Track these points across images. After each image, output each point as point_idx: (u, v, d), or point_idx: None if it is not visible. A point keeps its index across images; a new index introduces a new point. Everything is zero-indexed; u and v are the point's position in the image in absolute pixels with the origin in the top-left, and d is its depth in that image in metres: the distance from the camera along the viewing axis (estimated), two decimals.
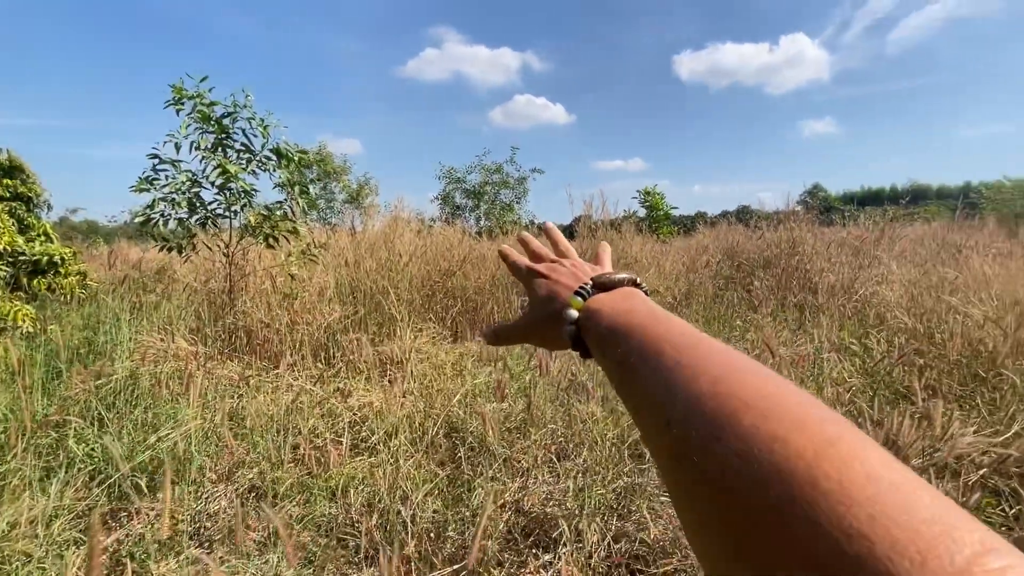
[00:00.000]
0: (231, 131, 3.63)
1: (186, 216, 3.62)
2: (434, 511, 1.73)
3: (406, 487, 1.78)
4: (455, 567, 1.47)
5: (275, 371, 2.84)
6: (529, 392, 2.39)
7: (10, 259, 4.18)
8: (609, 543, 1.59)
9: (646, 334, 0.31)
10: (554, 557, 1.55)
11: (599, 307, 0.37)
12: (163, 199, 3.48)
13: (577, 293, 0.39)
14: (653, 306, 0.36)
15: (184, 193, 3.54)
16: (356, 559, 1.58)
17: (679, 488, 0.23)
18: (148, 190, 3.46)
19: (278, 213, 3.76)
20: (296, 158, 3.78)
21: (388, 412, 2.38)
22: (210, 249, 3.81)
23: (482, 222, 13.75)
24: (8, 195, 5.08)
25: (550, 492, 1.84)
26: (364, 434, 2.29)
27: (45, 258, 4.34)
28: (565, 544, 1.55)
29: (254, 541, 1.63)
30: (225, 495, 1.85)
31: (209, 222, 3.73)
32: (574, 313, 0.39)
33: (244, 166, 3.66)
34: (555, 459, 2.00)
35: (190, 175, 3.55)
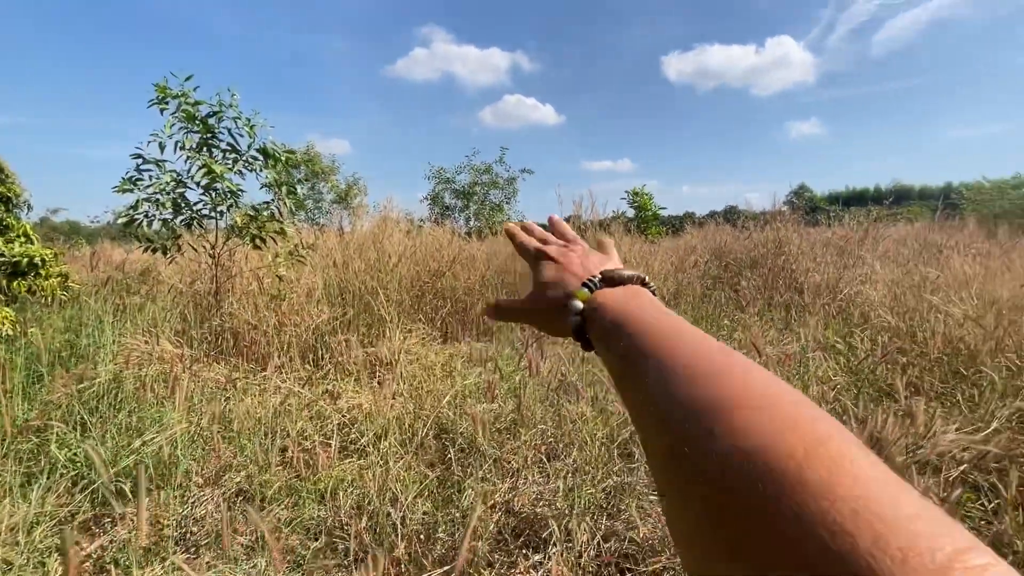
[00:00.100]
0: (217, 131, 3.58)
1: (171, 217, 3.57)
2: (424, 513, 1.73)
3: (396, 489, 1.77)
4: (445, 568, 1.47)
5: (263, 373, 2.81)
6: (519, 393, 2.39)
7: None
8: (599, 542, 1.59)
9: (650, 332, 0.31)
10: (544, 557, 1.55)
11: (604, 301, 0.37)
12: (147, 199, 3.43)
13: (584, 285, 0.39)
14: (659, 306, 0.36)
15: (168, 193, 3.49)
16: (346, 562, 1.57)
17: (673, 487, 0.23)
18: (132, 190, 3.41)
19: (265, 213, 3.72)
20: (283, 158, 3.75)
21: (377, 414, 2.37)
22: (196, 250, 3.76)
23: (471, 222, 13.74)
24: None
25: (540, 492, 1.84)
26: (353, 436, 2.28)
27: (25, 259, 4.25)
28: (555, 544, 1.56)
29: (242, 545, 1.62)
30: (212, 499, 1.83)
31: (194, 223, 3.68)
32: (579, 304, 0.38)
33: (230, 166, 3.62)
34: (545, 459, 2.01)
35: (175, 175, 3.51)
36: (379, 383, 2.86)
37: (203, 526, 1.71)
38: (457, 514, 1.73)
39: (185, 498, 1.82)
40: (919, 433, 1.73)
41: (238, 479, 1.92)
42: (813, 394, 2.28)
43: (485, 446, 1.99)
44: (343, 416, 2.42)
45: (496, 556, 1.59)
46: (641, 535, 1.61)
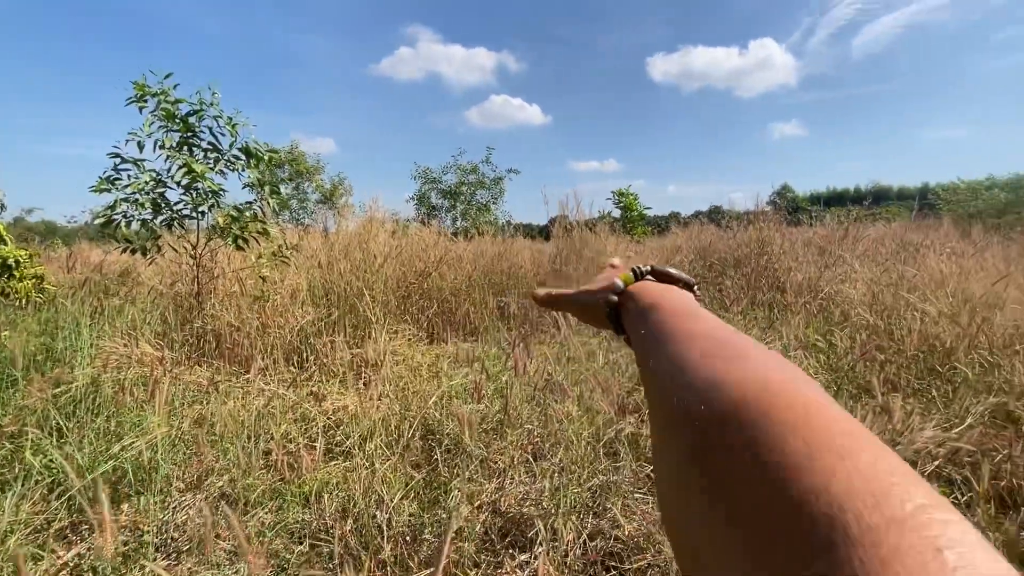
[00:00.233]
0: (197, 129, 3.53)
1: (150, 217, 3.50)
2: (410, 514, 1.72)
3: (382, 491, 1.76)
4: (430, 570, 1.46)
5: (246, 376, 2.77)
6: (506, 393, 2.39)
7: None
8: (585, 541, 1.61)
9: (678, 314, 0.32)
10: (530, 557, 1.56)
11: (644, 287, 0.39)
12: (125, 199, 3.36)
13: (632, 271, 0.41)
14: (696, 304, 0.36)
15: (148, 193, 3.43)
16: (331, 565, 1.56)
17: (663, 436, 0.23)
18: (109, 190, 3.33)
19: (248, 214, 3.67)
20: (266, 157, 3.70)
21: (363, 415, 2.35)
22: (176, 251, 3.69)
23: (458, 222, 13.72)
24: None
25: (526, 492, 1.85)
26: (339, 438, 2.26)
27: None
28: (541, 543, 1.56)
29: (225, 551, 1.59)
30: (194, 504, 1.80)
31: (175, 223, 3.62)
32: (620, 283, 0.40)
33: (211, 165, 3.56)
34: (531, 459, 2.01)
35: (154, 175, 3.44)
36: (365, 384, 2.84)
37: (184, 532, 1.68)
38: (444, 515, 1.72)
39: (166, 503, 1.78)
40: (896, 429, 1.77)
41: (220, 483, 1.89)
42: None
43: (471, 446, 1.99)
44: (328, 418, 2.40)
45: (483, 556, 1.59)
46: (626, 533, 1.62)
